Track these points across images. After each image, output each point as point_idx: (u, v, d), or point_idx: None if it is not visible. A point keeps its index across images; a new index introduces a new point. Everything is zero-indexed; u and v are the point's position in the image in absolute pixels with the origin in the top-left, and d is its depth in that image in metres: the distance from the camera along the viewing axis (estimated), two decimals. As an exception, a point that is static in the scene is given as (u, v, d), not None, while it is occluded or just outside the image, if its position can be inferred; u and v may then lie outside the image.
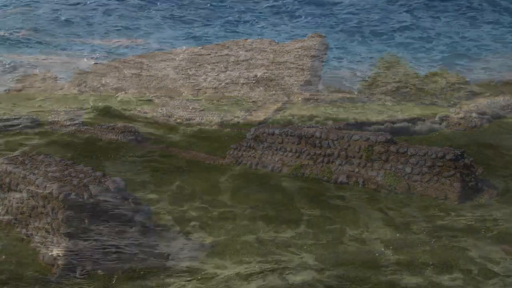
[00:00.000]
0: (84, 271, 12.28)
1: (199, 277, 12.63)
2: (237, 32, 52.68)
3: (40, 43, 53.24)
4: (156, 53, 48.73)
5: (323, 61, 41.74)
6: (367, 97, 39.65)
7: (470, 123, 30.19)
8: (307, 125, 25.42)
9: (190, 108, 37.24)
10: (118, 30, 56.86)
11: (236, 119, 35.35)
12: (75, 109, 33.78)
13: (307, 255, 13.82)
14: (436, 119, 31.28)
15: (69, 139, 27.78)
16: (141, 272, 12.63)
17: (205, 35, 52.75)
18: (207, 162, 23.97)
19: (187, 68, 45.64)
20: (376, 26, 53.82)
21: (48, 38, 54.33)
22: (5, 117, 31.89)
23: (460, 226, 15.88)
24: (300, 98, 38.84)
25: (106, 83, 48.16)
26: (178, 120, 35.80)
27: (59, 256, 12.48)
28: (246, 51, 43.40)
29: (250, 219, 16.47)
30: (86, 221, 12.57)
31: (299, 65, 40.94)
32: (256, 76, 42.18)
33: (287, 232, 15.52)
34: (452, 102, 36.86)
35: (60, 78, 48.44)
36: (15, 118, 31.55)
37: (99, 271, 12.32)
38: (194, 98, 40.14)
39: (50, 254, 12.80)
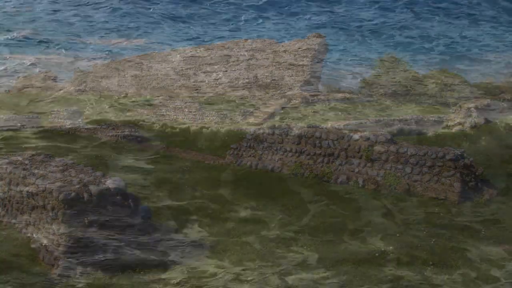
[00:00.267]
0: (84, 271, 12.28)
1: (198, 277, 12.63)
2: (237, 31, 52.67)
3: (40, 43, 53.24)
4: (156, 54, 48.72)
5: (323, 61, 41.73)
6: (367, 97, 39.64)
7: (470, 123, 30.18)
8: (307, 125, 25.43)
9: (190, 108, 37.23)
10: (118, 30, 56.87)
11: (236, 119, 35.34)
12: (76, 110, 33.80)
13: (309, 254, 13.82)
14: (436, 119, 31.25)
15: (69, 139, 27.79)
16: (141, 272, 12.63)
17: (206, 35, 52.75)
18: (207, 162, 23.98)
19: (187, 69, 45.64)
20: (376, 25, 53.82)
21: (49, 38, 54.34)
22: (5, 117, 31.92)
23: (460, 226, 15.88)
24: (300, 98, 38.83)
25: (106, 84, 48.14)
26: (178, 121, 35.80)
27: (59, 256, 12.47)
28: (246, 51, 43.39)
29: (250, 219, 16.47)
30: (86, 221, 12.57)
31: (299, 65, 40.93)
32: (256, 76, 42.17)
33: (287, 231, 15.52)
34: (452, 102, 36.84)
35: (60, 78, 48.44)
36: (15, 118, 31.58)
37: (99, 271, 12.32)
38: (193, 99, 40.11)
39: (50, 254, 12.80)
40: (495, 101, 32.94)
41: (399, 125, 29.51)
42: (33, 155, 16.42)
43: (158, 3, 63.13)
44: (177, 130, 31.61)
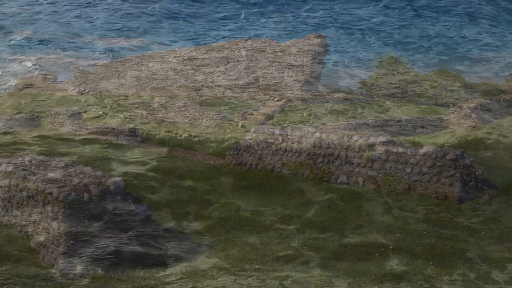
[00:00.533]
0: (84, 270, 12.28)
1: (198, 277, 12.63)
2: (237, 31, 52.68)
3: (40, 43, 53.26)
4: (156, 54, 48.74)
5: (322, 62, 41.74)
6: (366, 97, 39.66)
7: (470, 123, 30.20)
8: (307, 125, 25.43)
9: (190, 108, 37.23)
10: (119, 30, 56.89)
11: (236, 119, 35.35)
12: (76, 110, 33.79)
13: (309, 254, 13.82)
14: (436, 119, 31.27)
15: (69, 139, 27.79)
16: (141, 271, 12.63)
17: (206, 35, 52.74)
18: (206, 162, 23.99)
19: (187, 69, 45.65)
20: (376, 25, 53.82)
21: (49, 39, 54.36)
22: (7, 116, 31.92)
23: (460, 226, 15.89)
24: (300, 99, 38.85)
25: (106, 84, 48.15)
26: (178, 121, 35.81)
27: (59, 255, 12.48)
28: (246, 51, 43.41)
29: (250, 219, 16.47)
30: (86, 221, 12.57)
31: (298, 65, 40.94)
32: (255, 76, 42.20)
33: (288, 231, 15.52)
34: (451, 102, 36.87)
35: (60, 78, 48.45)
36: (17, 118, 31.59)
37: (99, 271, 12.32)
38: (193, 100, 40.11)
39: (50, 254, 12.81)
40: (494, 101, 32.96)
41: (399, 125, 29.53)
42: (33, 155, 16.42)
43: (159, 2, 63.14)
44: (177, 130, 31.60)
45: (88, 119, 34.10)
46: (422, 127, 30.01)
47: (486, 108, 31.50)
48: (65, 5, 63.16)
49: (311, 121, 32.14)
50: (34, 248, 13.45)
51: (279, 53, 41.90)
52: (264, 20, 55.77)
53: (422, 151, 19.06)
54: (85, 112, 35.83)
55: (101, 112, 36.39)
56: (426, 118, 30.91)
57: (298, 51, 41.52)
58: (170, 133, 30.88)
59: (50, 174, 13.81)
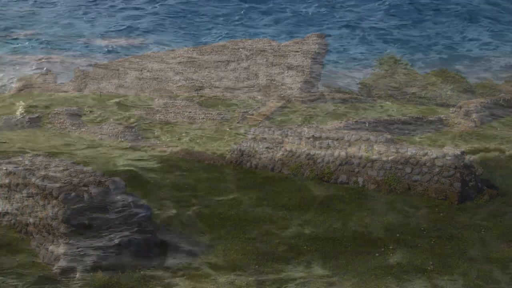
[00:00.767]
0: (84, 271, 12.28)
1: (198, 277, 12.63)
2: (237, 31, 52.67)
3: (41, 43, 53.27)
4: (156, 54, 48.74)
5: (323, 62, 41.75)
6: (367, 97, 39.64)
7: (470, 123, 30.19)
8: (307, 125, 25.43)
9: (190, 108, 37.22)
10: (119, 30, 56.87)
11: (236, 119, 35.35)
12: (76, 110, 33.79)
13: (309, 254, 13.82)
14: (436, 118, 31.27)
15: (69, 139, 27.79)
16: (141, 271, 12.64)
17: (206, 34, 52.72)
18: (207, 162, 23.99)
19: (187, 69, 45.65)
20: (377, 24, 53.77)
21: (49, 39, 54.35)
22: (10, 116, 31.93)
23: (460, 226, 15.88)
24: (300, 99, 38.83)
25: (106, 84, 48.14)
26: (178, 121, 35.81)
27: (59, 255, 12.48)
28: (246, 51, 43.40)
29: (250, 218, 16.46)
30: (86, 221, 12.57)
31: (298, 65, 40.94)
32: (256, 76, 42.19)
33: (288, 231, 15.52)
34: (452, 102, 36.86)
35: (61, 78, 48.45)
36: (20, 117, 31.61)
37: (99, 271, 12.32)
38: (193, 100, 40.11)
39: (50, 254, 12.81)
40: (494, 100, 32.96)
41: (399, 125, 29.53)
42: (33, 155, 16.43)
43: (159, 2, 63.13)
44: (177, 130, 31.61)
45: (88, 119, 34.10)
46: (422, 126, 30.02)
47: (486, 108, 31.49)
48: (66, 5, 63.13)
49: (311, 121, 32.14)
50: (34, 248, 13.45)
51: (279, 53, 41.89)
52: (264, 19, 55.73)
53: (422, 151, 19.05)
54: (85, 113, 35.85)
55: (101, 112, 36.40)
56: (426, 118, 30.90)
57: (298, 51, 41.52)
58: (170, 133, 30.88)
59: (50, 174, 13.81)
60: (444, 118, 31.43)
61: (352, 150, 20.46)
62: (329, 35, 49.52)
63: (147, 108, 39.18)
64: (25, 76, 47.81)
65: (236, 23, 55.66)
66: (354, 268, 13.09)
